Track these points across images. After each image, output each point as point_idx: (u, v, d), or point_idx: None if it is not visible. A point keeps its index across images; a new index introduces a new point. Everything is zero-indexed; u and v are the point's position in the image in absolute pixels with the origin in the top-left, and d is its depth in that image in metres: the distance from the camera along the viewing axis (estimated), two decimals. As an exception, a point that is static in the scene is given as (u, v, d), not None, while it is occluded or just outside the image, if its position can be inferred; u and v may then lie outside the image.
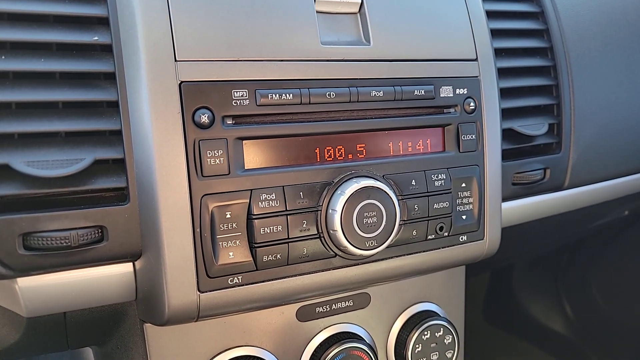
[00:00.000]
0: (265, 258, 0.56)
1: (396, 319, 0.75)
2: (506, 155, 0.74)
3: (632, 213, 1.31)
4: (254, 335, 0.65)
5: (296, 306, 0.67)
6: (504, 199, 0.75)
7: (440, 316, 0.75)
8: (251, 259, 0.55)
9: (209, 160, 0.52)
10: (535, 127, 0.77)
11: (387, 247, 0.63)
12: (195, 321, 0.57)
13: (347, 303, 0.71)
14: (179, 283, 0.53)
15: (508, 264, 2.23)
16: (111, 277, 0.57)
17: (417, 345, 0.73)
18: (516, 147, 0.76)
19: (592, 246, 2.05)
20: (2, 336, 0.61)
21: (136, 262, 0.57)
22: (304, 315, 0.68)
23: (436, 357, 0.75)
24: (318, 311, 0.69)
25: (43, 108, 0.50)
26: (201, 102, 0.52)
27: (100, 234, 0.52)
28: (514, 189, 0.77)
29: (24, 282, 0.53)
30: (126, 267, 0.57)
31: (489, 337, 2.35)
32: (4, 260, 0.49)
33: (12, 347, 0.63)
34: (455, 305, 0.80)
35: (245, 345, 0.65)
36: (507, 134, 0.75)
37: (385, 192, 0.59)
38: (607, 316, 2.02)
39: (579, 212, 1.03)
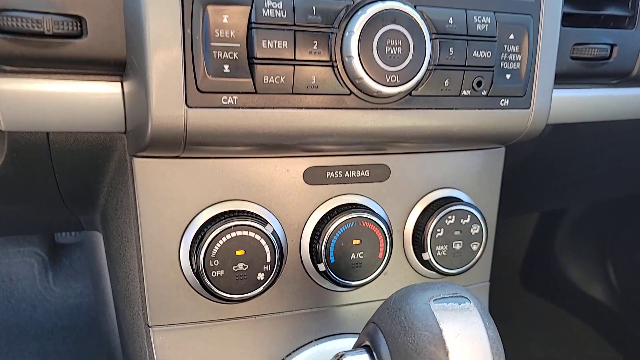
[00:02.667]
0: (266, 79, 0.48)
1: (418, 201, 0.66)
2: (567, 21, 0.63)
3: None
4: (254, 190, 0.58)
5: (303, 165, 0.60)
6: (560, 75, 0.64)
7: (469, 203, 0.66)
8: (250, 78, 0.48)
9: None
10: (605, -7, 0.64)
11: (412, 95, 0.54)
12: (183, 150, 0.51)
13: (362, 172, 0.62)
14: (165, 91, 0.46)
15: (550, 221, 2.08)
16: (97, 96, 0.51)
17: (438, 230, 0.64)
18: (580, 12, 0.64)
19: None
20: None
21: (125, 84, 0.51)
22: (312, 177, 0.60)
23: (459, 247, 0.66)
24: (328, 176, 0.61)
25: None
26: None
27: (79, 27, 0.46)
28: (572, 64, 0.65)
29: (2, 86, 0.47)
30: (113, 87, 0.51)
31: (525, 303, 2.24)
32: None
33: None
34: (489, 198, 0.71)
35: (244, 200, 0.58)
36: (570, -3, 0.63)
37: (414, 20, 0.49)
38: (657, 286, 1.86)
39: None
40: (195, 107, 0.47)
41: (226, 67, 0.47)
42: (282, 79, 0.49)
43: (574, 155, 0.95)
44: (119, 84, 0.51)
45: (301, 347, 0.63)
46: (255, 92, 0.48)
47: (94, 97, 0.51)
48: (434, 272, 0.67)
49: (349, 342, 0.61)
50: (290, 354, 0.62)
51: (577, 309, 2.12)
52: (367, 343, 0.45)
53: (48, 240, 1.68)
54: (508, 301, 2.21)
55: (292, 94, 0.50)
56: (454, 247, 0.65)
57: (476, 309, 0.42)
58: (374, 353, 0.44)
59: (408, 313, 0.42)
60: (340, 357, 0.45)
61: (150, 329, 0.58)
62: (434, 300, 0.42)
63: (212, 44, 0.46)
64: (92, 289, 1.56)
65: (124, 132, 0.54)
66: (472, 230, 0.66)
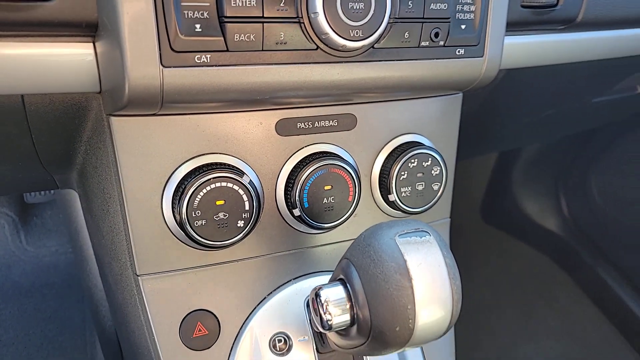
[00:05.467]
0: (237, 37, 0.50)
1: (383, 147, 0.70)
2: (518, -29, 0.66)
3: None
4: (229, 144, 0.61)
5: (276, 118, 0.63)
6: (511, 24, 0.68)
7: (430, 147, 0.71)
8: (221, 37, 0.50)
9: None
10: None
11: (375, 48, 0.57)
12: (161, 107, 0.53)
13: (331, 122, 0.66)
14: (139, 52, 0.47)
15: (508, 161, 2.19)
16: (70, 57, 0.52)
17: (402, 173, 0.69)
18: (530, -38, 0.67)
19: (596, 146, 2.01)
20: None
21: (97, 44, 0.52)
22: (283, 129, 0.64)
23: (422, 188, 0.71)
24: (299, 126, 0.64)
25: None
26: None
27: None
28: (522, 12, 0.69)
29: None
30: (85, 48, 0.52)
31: (485, 236, 2.39)
32: None
33: None
34: (448, 141, 0.76)
35: (220, 153, 0.61)
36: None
37: None
38: (603, 215, 2.02)
39: (588, 73, 0.96)
40: (170, 67, 0.49)
41: (197, 26, 0.49)
42: (252, 37, 0.51)
43: (524, 99, 1.01)
44: (92, 44, 0.52)
45: (281, 285, 0.68)
46: (227, 50, 0.51)
47: (66, 58, 0.52)
48: (399, 212, 0.73)
49: (325, 278, 0.67)
50: (271, 292, 0.68)
51: (532, 239, 2.28)
52: (342, 277, 0.51)
53: (17, 200, 1.66)
54: (470, 235, 2.35)
55: (262, 50, 0.52)
56: (416, 188, 0.71)
57: (435, 241, 0.48)
58: (347, 285, 0.49)
59: (376, 248, 0.47)
60: (318, 290, 0.50)
61: (139, 277, 0.63)
62: (398, 236, 0.47)
63: (182, 3, 0.48)
64: (70, 246, 1.57)
65: (98, 92, 0.56)
66: (433, 171, 0.72)
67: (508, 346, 1.99)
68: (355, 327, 0.49)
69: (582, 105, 1.16)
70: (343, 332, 0.51)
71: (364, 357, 0.68)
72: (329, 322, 0.49)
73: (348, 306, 0.49)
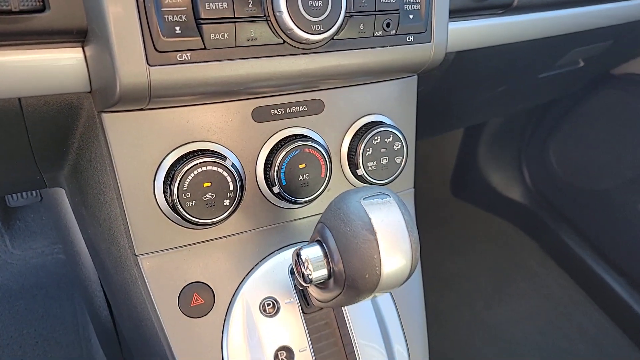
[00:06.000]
0: (212, 36, 0.57)
1: (349, 127, 0.79)
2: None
3: (587, 64, 1.34)
4: (212, 132, 0.69)
5: (251, 106, 0.70)
6: (454, 11, 0.77)
7: (391, 125, 0.79)
8: (199, 37, 0.57)
9: None
10: None
11: (335, 39, 0.65)
12: (148, 102, 0.60)
13: (301, 108, 0.74)
14: (127, 54, 0.54)
15: (473, 137, 2.31)
16: (62, 61, 0.58)
17: (367, 149, 0.78)
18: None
19: (553, 117, 2.13)
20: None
21: (86, 48, 0.59)
22: (259, 116, 0.71)
23: (386, 162, 0.80)
24: (273, 113, 0.72)
25: None
26: None
27: (41, 2, 0.52)
28: (464, 0, 0.78)
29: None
30: (75, 53, 0.58)
31: (457, 210, 2.51)
32: None
33: None
34: (407, 119, 0.85)
35: (204, 141, 0.68)
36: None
37: None
38: (562, 182, 2.15)
39: (530, 51, 1.06)
40: (156, 65, 0.56)
41: (177, 28, 0.56)
42: (225, 35, 0.58)
43: (477, 78, 1.11)
44: (81, 49, 0.59)
45: (267, 256, 0.76)
46: (205, 48, 0.58)
47: (58, 62, 0.58)
48: (367, 185, 0.81)
49: (304, 247, 0.75)
50: (258, 262, 0.76)
51: (500, 210, 2.41)
52: (318, 238, 0.59)
53: (-1, 205, 1.68)
54: (443, 210, 2.47)
55: (236, 47, 0.59)
56: (381, 162, 0.80)
57: (395, 201, 0.57)
58: (323, 244, 0.58)
59: (345, 210, 0.55)
60: (299, 250, 0.58)
61: (138, 257, 0.70)
62: (363, 199, 0.56)
63: (162, 9, 0.55)
64: (58, 245, 1.61)
65: (89, 91, 0.62)
66: (394, 146, 0.80)
67: (482, 309, 2.11)
68: (332, 279, 0.58)
69: (530, 80, 1.27)
70: (322, 285, 0.60)
71: (343, 309, 0.77)
72: (310, 277, 0.57)
73: (325, 262, 0.57)
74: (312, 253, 0.58)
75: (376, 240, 0.53)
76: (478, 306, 2.10)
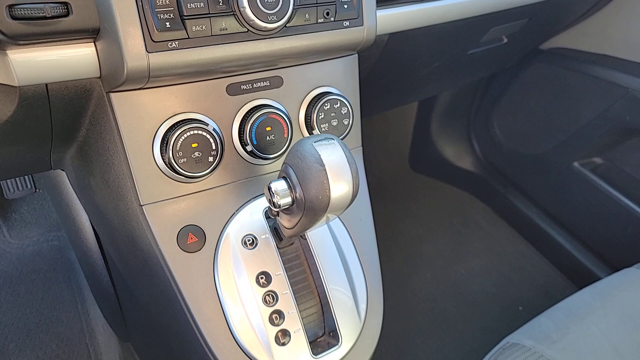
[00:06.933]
0: (194, 28, 0.76)
1: (304, 97, 0.98)
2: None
3: (510, 40, 1.57)
4: (196, 105, 0.87)
5: (225, 83, 0.89)
6: (382, 0, 0.97)
7: (338, 94, 1.00)
8: (184, 29, 0.76)
9: None
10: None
11: (287, 27, 0.84)
12: (147, 82, 0.78)
13: (265, 83, 0.93)
14: (132, 45, 0.73)
15: (426, 112, 2.53)
16: (79, 55, 0.76)
17: (320, 114, 0.98)
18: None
19: (495, 91, 2.38)
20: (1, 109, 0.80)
21: (97, 43, 0.77)
22: (232, 90, 0.90)
23: (336, 124, 1.00)
24: (243, 88, 0.91)
25: None
26: None
27: (66, 9, 0.70)
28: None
29: (14, 56, 0.71)
30: (90, 47, 0.77)
31: (415, 182, 2.74)
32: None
33: (9, 122, 0.82)
34: (352, 89, 1.05)
35: (190, 112, 0.87)
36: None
37: None
38: (505, 149, 2.40)
39: (453, 31, 1.28)
40: (153, 52, 0.74)
41: (167, 23, 0.74)
42: (203, 27, 0.77)
43: (412, 56, 1.32)
44: (93, 44, 0.77)
45: (245, 203, 0.95)
46: (188, 38, 0.76)
47: (76, 55, 0.76)
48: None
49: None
50: (238, 208, 0.95)
51: (454, 180, 2.65)
52: (284, 175, 0.79)
53: (-5, 198, 1.82)
54: (403, 183, 2.70)
55: (211, 35, 0.78)
56: (332, 124, 1.00)
57: (338, 144, 0.76)
58: (287, 178, 0.78)
59: (302, 151, 0.75)
60: (269, 184, 0.78)
61: (143, 207, 0.88)
62: (314, 142, 0.75)
63: (156, 9, 0.73)
64: (61, 221, 1.76)
65: (99, 77, 0.80)
66: (342, 111, 1.00)
67: (442, 268, 2.35)
68: (295, 205, 0.78)
69: (461, 56, 1.49)
70: (288, 211, 0.80)
71: (309, 244, 0.97)
72: (279, 203, 0.77)
73: (289, 192, 0.77)
74: (279, 185, 0.77)
75: (325, 170, 0.73)
76: (438, 266, 2.34)
